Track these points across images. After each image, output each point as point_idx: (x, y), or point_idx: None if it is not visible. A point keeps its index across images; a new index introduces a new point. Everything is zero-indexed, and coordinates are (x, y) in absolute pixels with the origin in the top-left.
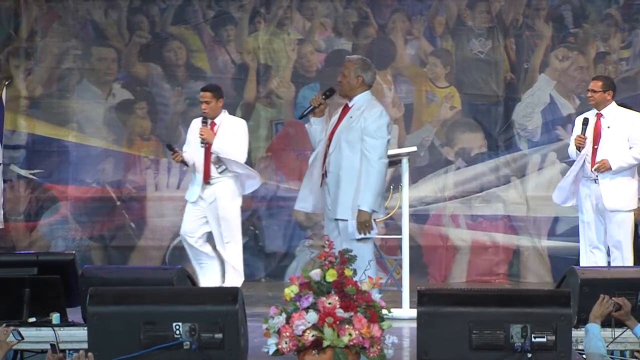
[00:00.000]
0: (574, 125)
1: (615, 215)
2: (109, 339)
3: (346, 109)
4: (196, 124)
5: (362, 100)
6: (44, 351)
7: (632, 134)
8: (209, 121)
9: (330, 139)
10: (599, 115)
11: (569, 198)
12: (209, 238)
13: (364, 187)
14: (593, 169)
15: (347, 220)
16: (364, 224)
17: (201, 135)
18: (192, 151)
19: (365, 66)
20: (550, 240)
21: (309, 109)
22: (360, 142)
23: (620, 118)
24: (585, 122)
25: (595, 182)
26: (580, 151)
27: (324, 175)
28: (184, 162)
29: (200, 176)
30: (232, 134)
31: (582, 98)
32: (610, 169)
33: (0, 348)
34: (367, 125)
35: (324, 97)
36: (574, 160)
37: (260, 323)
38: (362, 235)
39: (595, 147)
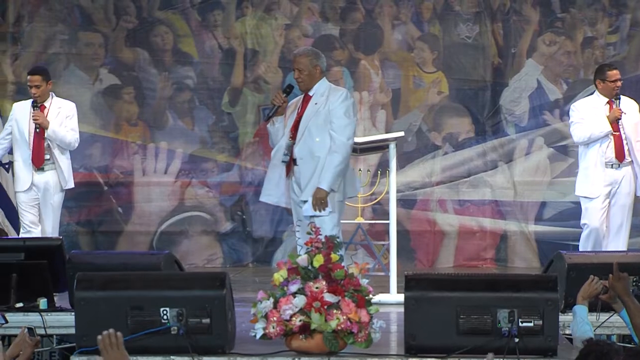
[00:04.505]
0: (571, 111)
1: (630, 199)
2: (96, 324)
3: (307, 98)
4: (19, 108)
5: (322, 87)
6: None
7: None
8: (39, 104)
9: (293, 130)
10: (610, 103)
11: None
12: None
13: (327, 166)
14: None
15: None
16: (319, 201)
17: (36, 120)
18: (18, 138)
19: (317, 55)
20: (538, 225)
21: (274, 109)
22: (328, 124)
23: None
24: (618, 98)
25: (613, 167)
26: (618, 122)
27: (291, 165)
28: None
29: (29, 162)
30: (64, 118)
31: (570, 83)
32: None
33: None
34: (334, 108)
35: (284, 94)
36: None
37: (247, 308)
38: (316, 213)
39: (616, 133)
